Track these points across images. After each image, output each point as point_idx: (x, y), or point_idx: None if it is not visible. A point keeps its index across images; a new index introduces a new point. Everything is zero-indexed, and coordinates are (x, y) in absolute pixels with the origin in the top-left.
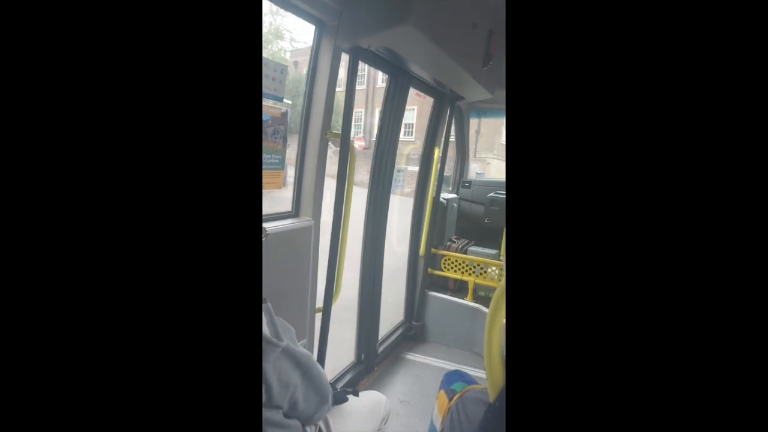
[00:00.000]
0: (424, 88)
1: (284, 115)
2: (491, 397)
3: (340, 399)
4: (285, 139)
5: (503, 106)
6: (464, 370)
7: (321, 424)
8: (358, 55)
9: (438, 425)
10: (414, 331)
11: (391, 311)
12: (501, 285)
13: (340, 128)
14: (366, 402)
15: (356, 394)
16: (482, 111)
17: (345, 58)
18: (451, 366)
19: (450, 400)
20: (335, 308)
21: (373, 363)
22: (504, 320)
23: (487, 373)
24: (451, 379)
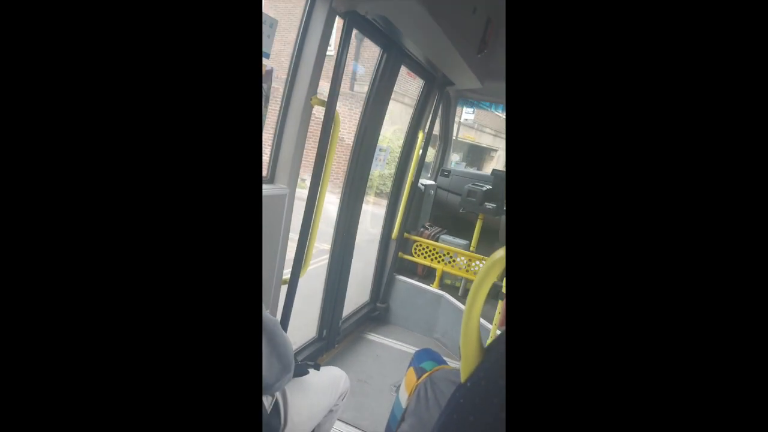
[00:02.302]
0: (416, 68)
1: (269, 73)
2: (462, 378)
3: (300, 371)
4: (267, 99)
5: (492, 98)
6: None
7: (278, 395)
8: (353, 22)
9: (404, 402)
10: (378, 312)
11: (358, 291)
12: (490, 260)
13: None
14: (326, 377)
15: (317, 368)
16: (470, 101)
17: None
18: (410, 349)
19: (418, 378)
20: (303, 282)
21: (335, 340)
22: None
23: (462, 351)
24: (421, 357)
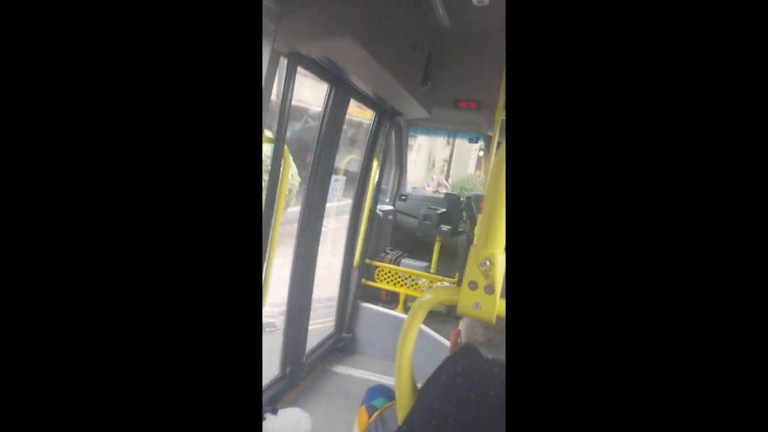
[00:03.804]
0: (365, 100)
1: None
2: (399, 420)
3: None
4: None
5: (441, 125)
6: (389, 384)
7: None
8: (296, 61)
9: None
10: (343, 343)
11: (321, 322)
12: (420, 299)
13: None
14: (284, 421)
15: (275, 413)
16: (421, 128)
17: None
18: (377, 378)
19: (369, 416)
20: (262, 318)
21: (299, 376)
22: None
23: (396, 395)
24: (374, 394)
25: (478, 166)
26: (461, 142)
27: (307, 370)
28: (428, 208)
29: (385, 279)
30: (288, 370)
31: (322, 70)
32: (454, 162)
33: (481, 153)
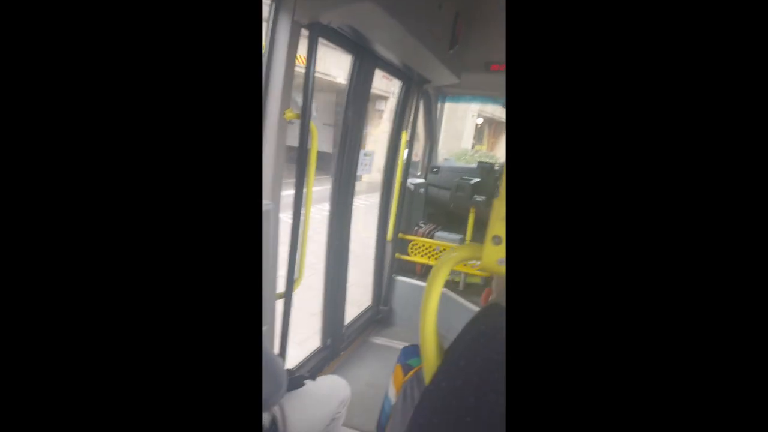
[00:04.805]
0: (391, 70)
1: None
2: (426, 380)
3: (295, 384)
4: None
5: (471, 91)
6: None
7: (276, 411)
8: (317, 32)
9: (392, 399)
10: (381, 315)
11: (358, 296)
12: (443, 255)
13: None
14: (323, 386)
15: (313, 379)
16: (450, 96)
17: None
18: None
19: (405, 375)
20: (302, 294)
21: (340, 348)
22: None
23: (422, 355)
24: (409, 353)
25: (478, 140)
26: (452, 107)
27: (348, 341)
28: (461, 178)
29: (419, 252)
30: (329, 341)
31: (345, 39)
32: (443, 132)
33: (480, 121)
